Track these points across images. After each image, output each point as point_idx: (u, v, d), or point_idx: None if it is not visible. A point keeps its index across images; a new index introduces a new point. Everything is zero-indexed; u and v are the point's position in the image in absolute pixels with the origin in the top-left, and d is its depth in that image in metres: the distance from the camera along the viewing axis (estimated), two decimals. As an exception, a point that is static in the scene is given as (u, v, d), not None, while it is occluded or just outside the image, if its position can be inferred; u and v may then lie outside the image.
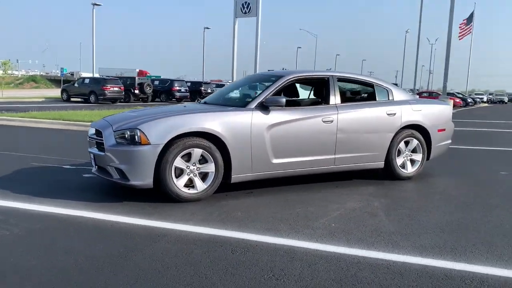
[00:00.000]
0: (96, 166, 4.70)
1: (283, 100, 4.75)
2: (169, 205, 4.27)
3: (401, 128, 5.59)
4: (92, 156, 4.70)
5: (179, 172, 4.41)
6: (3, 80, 31.59)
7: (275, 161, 4.81)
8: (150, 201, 4.38)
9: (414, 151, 5.79)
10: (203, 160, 4.49)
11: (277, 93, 5.05)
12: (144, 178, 4.25)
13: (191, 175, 4.45)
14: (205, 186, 4.49)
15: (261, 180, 4.99)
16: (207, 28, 51.19)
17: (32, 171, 5.71)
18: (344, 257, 3.07)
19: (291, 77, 5.18)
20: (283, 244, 3.30)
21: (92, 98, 27.22)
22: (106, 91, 26.73)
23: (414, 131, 5.69)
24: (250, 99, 4.89)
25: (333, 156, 5.16)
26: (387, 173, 5.68)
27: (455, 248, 3.28)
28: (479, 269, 2.90)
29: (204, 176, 4.52)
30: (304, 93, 6.38)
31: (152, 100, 29.64)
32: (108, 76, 31.69)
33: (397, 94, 5.74)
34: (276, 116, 4.79)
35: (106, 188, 4.89)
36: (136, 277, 2.67)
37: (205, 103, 5.45)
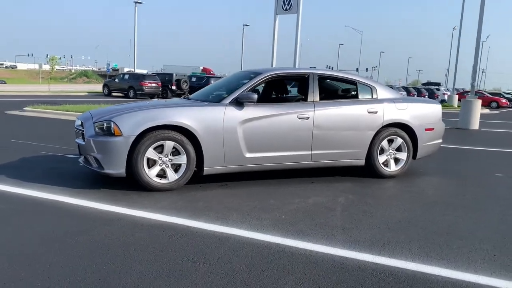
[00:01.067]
0: (82, 156, 5.06)
1: (255, 96, 4.91)
2: (141, 194, 4.55)
3: (383, 126, 5.60)
4: (78, 146, 5.07)
5: (153, 163, 4.69)
6: (49, 74, 33.44)
7: (248, 155, 4.99)
8: (127, 189, 4.68)
9: (399, 149, 5.78)
10: (176, 152, 4.75)
11: (253, 89, 5.22)
12: (117, 167, 4.56)
13: (163, 166, 4.72)
14: (177, 177, 4.75)
15: (240, 173, 5.20)
16: (246, 25, 51.65)
17: (35, 159, 6.20)
18: (271, 245, 3.21)
19: (268, 74, 5.33)
20: (223, 231, 3.49)
21: (131, 93, 28.41)
22: (144, 87, 27.88)
23: (398, 130, 5.68)
24: (226, 95, 5.09)
25: (309, 152, 5.26)
26: (369, 171, 5.71)
27: (387, 243, 3.34)
28: (396, 263, 2.97)
29: (177, 168, 4.78)
30: (294, 91, 6.49)
31: (189, 96, 30.44)
32: (148, 73, 32.87)
33: (382, 92, 5.74)
34: (250, 111, 4.96)
35: (93, 176, 5.25)
36: (74, 256, 2.96)
37: (188, 98, 5.71)
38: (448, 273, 2.84)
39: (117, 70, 66.38)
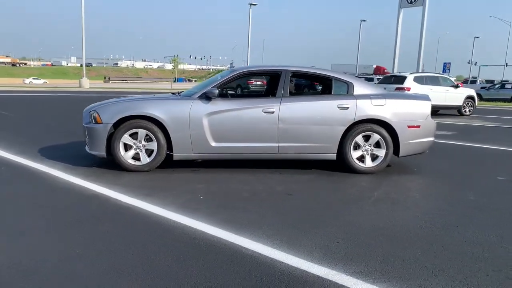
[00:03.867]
0: (88, 140, 6.13)
1: (215, 91, 5.43)
2: (119, 174, 5.41)
3: (356, 122, 5.64)
4: (85, 132, 6.15)
5: (130, 147, 5.52)
6: (171, 73, 37.23)
7: (214, 144, 5.53)
8: (114, 169, 5.60)
9: (378, 146, 5.75)
10: (149, 139, 5.52)
11: (224, 85, 5.74)
12: (98, 150, 5.50)
13: (138, 150, 5.52)
14: (148, 160, 5.51)
15: (221, 161, 5.80)
16: (364, 20, 50.45)
17: (78, 144, 7.53)
18: (160, 219, 3.76)
19: (240, 72, 5.79)
20: (138, 206, 4.11)
21: (238, 90, 30.25)
22: (250, 85, 29.58)
23: (374, 126, 5.66)
24: (199, 91, 5.69)
25: (276, 144, 5.60)
26: (343, 165, 5.80)
27: (277, 233, 3.64)
28: (271, 253, 3.27)
29: (151, 152, 5.54)
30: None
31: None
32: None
33: (359, 89, 5.76)
34: (216, 105, 5.50)
35: (100, 159, 6.30)
36: (16, 212, 3.90)
37: (178, 94, 6.39)
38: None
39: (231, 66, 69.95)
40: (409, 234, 3.51)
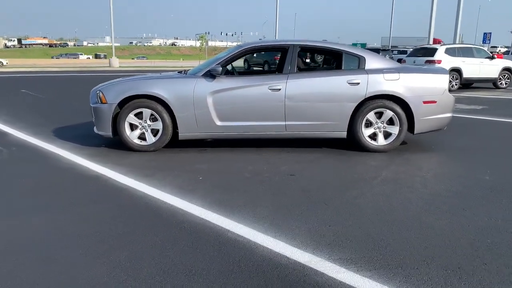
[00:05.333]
0: (97, 120, 6.14)
1: (219, 69, 5.27)
2: (125, 154, 5.40)
3: (367, 98, 5.38)
4: (94, 112, 6.16)
5: (136, 127, 5.49)
6: (199, 51, 37.18)
7: (219, 123, 5.42)
8: (121, 149, 5.60)
9: (391, 123, 5.48)
10: (155, 119, 5.46)
11: (229, 62, 5.57)
12: (105, 130, 5.49)
13: (143, 130, 5.48)
14: (154, 140, 5.47)
15: (228, 140, 5.72)
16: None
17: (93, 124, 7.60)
18: (152, 201, 3.71)
19: (246, 47, 5.59)
20: (135, 188, 4.08)
21: (265, 67, 29.87)
22: (277, 61, 29.11)
23: (387, 102, 5.38)
24: (203, 68, 5.55)
25: (283, 123, 5.42)
26: (354, 144, 5.57)
27: (268, 216, 3.53)
28: (256, 237, 3.17)
29: (156, 132, 5.49)
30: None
31: (318, 69, 30.54)
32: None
33: (371, 63, 5.47)
34: (220, 83, 5.35)
35: (110, 139, 6.31)
36: (13, 192, 3.95)
37: (185, 72, 6.26)
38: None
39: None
40: (409, 218, 3.31)
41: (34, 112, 8.92)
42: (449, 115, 5.59)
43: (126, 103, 5.42)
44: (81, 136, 6.47)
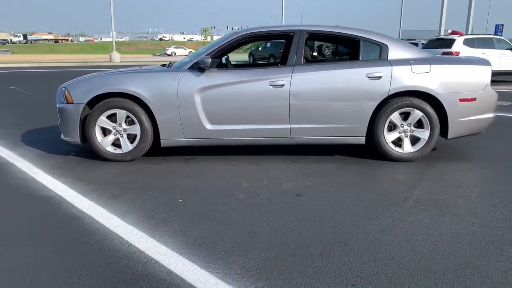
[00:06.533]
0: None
1: (208, 60, 4.28)
2: (95, 165, 4.46)
3: (391, 95, 4.38)
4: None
5: (109, 132, 4.53)
6: (203, 45, 36.16)
7: (210, 127, 4.44)
8: (93, 158, 4.65)
9: (420, 125, 4.47)
10: (131, 122, 4.49)
11: (222, 52, 4.59)
12: (72, 135, 4.52)
13: (118, 135, 4.52)
14: (131, 148, 4.50)
15: (222, 147, 4.73)
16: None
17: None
18: (106, 238, 2.76)
19: (242, 34, 4.58)
20: (91, 215, 3.13)
21: (271, 60, 28.90)
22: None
23: (415, 100, 4.37)
24: (189, 60, 4.57)
25: (287, 126, 4.44)
26: (374, 151, 4.58)
27: (255, 271, 2.57)
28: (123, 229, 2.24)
29: (134, 138, 4.53)
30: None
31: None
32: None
33: (395, 52, 4.45)
34: (211, 78, 4.37)
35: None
36: None
37: (169, 65, 5.28)
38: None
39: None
40: (459, 265, 2.32)
41: (12, 111, 8.00)
42: (490, 115, 4.57)
43: (97, 103, 4.46)
44: (52, 140, 5.52)
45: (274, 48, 28.43)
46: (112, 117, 4.48)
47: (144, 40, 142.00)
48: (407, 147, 4.49)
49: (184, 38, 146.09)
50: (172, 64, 4.92)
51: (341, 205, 3.25)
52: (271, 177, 4.00)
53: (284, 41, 5.75)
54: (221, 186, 3.73)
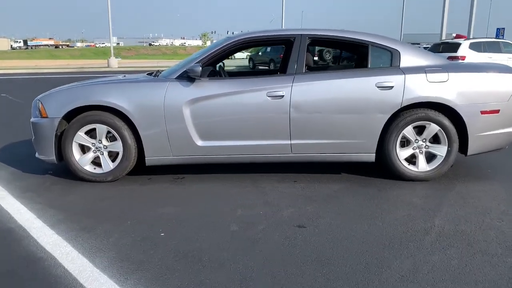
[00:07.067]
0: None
1: (198, 69, 3.80)
2: (71, 186, 3.98)
3: (404, 107, 3.89)
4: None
5: (87, 149, 4.05)
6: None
7: (201, 143, 3.96)
8: (70, 179, 4.17)
9: (436, 141, 3.99)
10: (113, 138, 4.01)
11: (214, 60, 4.12)
12: (47, 153, 4.04)
13: (98, 153, 4.03)
14: (112, 167, 4.02)
15: (215, 164, 4.25)
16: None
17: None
18: (62, 278, 2.27)
19: (236, 39, 4.10)
20: (55, 256, 2.64)
21: (271, 65, 28.41)
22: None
23: (431, 112, 3.89)
24: (179, 69, 4.09)
25: (287, 142, 3.95)
26: (385, 169, 4.09)
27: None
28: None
29: (116, 156, 4.05)
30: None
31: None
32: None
33: (408, 59, 3.97)
34: (201, 88, 3.89)
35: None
36: None
37: (156, 74, 4.79)
38: None
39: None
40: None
41: (-5, 122, 7.53)
42: (514, 129, 4.08)
43: (74, 117, 3.98)
44: (30, 156, 5.03)
45: (275, 53, 27.95)
46: (91, 133, 4.00)
47: (144, 45, 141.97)
48: (422, 165, 3.99)
49: (184, 43, 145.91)
50: (160, 73, 4.44)
51: (351, 241, 2.76)
52: (269, 201, 3.50)
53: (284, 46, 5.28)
54: (211, 214, 3.24)
